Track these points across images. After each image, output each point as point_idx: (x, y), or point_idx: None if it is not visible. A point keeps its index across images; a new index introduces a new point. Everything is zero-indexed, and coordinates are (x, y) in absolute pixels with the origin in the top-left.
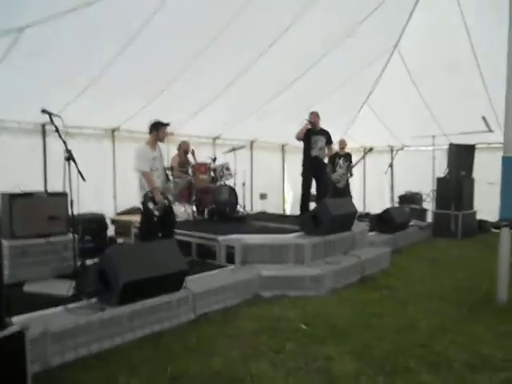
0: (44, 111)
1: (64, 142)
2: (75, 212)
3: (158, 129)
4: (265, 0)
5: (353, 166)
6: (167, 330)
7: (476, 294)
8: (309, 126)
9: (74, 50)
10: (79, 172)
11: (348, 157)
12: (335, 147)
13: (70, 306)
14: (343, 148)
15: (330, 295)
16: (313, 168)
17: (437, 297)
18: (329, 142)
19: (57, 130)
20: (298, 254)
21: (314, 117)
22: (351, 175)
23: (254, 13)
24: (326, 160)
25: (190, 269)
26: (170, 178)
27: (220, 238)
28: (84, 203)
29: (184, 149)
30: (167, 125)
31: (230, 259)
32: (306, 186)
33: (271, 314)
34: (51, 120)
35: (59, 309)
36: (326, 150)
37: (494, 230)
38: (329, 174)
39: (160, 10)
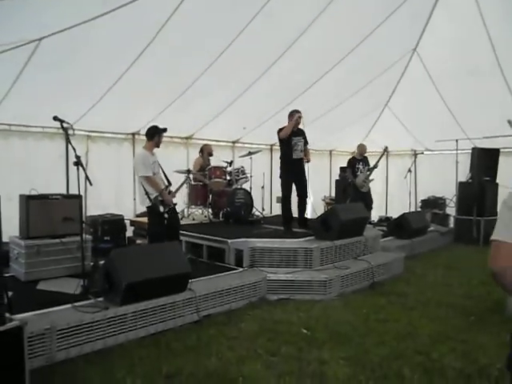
0: (55, 118)
1: (73, 149)
2: (95, 213)
3: (157, 135)
4: (281, 3)
5: (373, 168)
6: (170, 330)
7: (487, 302)
8: (300, 126)
9: (92, 57)
10: (87, 177)
11: (366, 160)
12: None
13: (78, 304)
14: (362, 153)
15: (337, 300)
16: (293, 172)
17: (445, 304)
18: (306, 142)
19: (67, 138)
20: (307, 258)
21: (300, 116)
22: (371, 179)
23: (271, 15)
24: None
25: (199, 271)
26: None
27: (229, 241)
28: (105, 205)
29: (208, 152)
30: (165, 130)
31: (239, 262)
32: (286, 191)
33: (274, 317)
34: (62, 127)
35: (67, 306)
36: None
37: None
38: (351, 180)
39: (175, 16)
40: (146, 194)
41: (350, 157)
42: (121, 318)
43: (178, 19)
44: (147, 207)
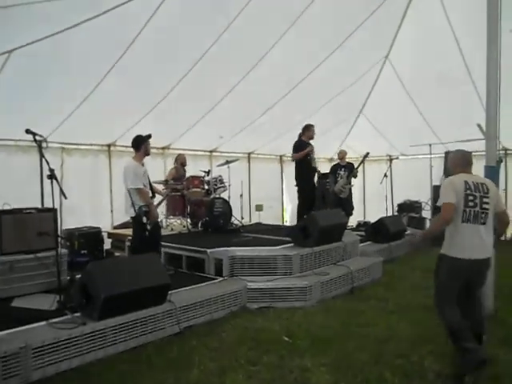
0: (28, 131)
1: (47, 162)
2: (72, 226)
3: (143, 144)
4: (254, 14)
5: (353, 175)
6: (151, 343)
7: None
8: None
9: (66, 69)
10: (61, 190)
11: (349, 166)
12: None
13: (54, 320)
14: (343, 158)
15: (318, 306)
16: (312, 179)
17: (424, 306)
18: None
19: (40, 151)
20: (287, 265)
21: (314, 130)
22: (350, 184)
23: (243, 27)
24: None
25: (179, 281)
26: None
27: (209, 250)
28: (82, 217)
29: (181, 161)
30: (149, 137)
31: (219, 271)
32: (313, 197)
33: (255, 325)
34: (35, 140)
35: (42, 324)
36: None
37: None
38: (331, 186)
39: (150, 26)
40: (132, 204)
41: (335, 163)
42: (99, 333)
43: (151, 31)
44: (132, 217)
